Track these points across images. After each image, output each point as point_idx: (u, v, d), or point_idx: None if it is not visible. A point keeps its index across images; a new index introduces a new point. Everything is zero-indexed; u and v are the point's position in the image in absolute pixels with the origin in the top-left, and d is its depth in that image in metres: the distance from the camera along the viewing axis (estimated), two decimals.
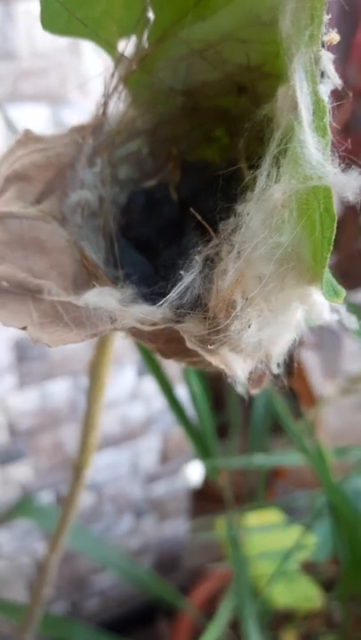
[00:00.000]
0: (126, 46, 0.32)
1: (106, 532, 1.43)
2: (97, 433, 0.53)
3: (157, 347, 0.29)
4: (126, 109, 0.33)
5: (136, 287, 0.31)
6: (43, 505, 1.14)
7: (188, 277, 0.27)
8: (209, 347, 0.28)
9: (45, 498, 1.27)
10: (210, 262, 0.28)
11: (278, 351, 0.29)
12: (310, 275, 0.26)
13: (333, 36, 0.23)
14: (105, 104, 0.32)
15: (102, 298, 0.28)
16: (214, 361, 0.28)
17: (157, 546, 1.54)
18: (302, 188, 0.23)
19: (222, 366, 0.28)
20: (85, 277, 0.30)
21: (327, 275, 0.25)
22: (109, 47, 0.32)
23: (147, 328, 0.27)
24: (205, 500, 1.42)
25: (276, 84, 0.33)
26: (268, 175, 0.25)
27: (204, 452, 0.97)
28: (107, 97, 0.32)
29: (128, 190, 0.35)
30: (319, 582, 1.11)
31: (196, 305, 0.28)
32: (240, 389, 0.29)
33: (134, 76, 0.32)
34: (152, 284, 0.33)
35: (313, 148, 0.22)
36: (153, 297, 0.31)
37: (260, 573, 1.03)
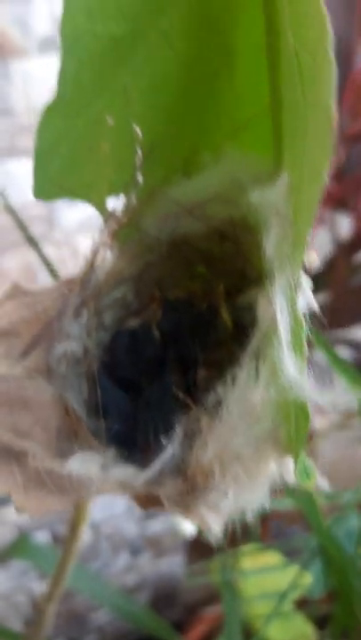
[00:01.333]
0: (116, 204, 0.33)
1: (103, 570, 1.43)
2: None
3: (136, 500, 0.31)
4: (114, 261, 0.34)
5: (117, 441, 0.32)
6: (39, 545, 1.15)
7: (170, 450, 0.29)
8: (186, 506, 0.29)
9: (41, 537, 1.28)
10: (190, 433, 0.29)
11: (253, 507, 0.30)
12: (287, 451, 0.28)
13: (313, 258, 0.25)
14: (93, 259, 0.33)
15: (84, 465, 0.29)
16: (192, 519, 0.29)
17: (154, 582, 1.54)
18: (279, 398, 0.25)
19: (199, 523, 0.29)
20: (68, 430, 0.32)
21: (301, 458, 0.27)
22: (99, 206, 0.34)
23: (128, 493, 0.29)
24: (201, 543, 1.42)
25: (257, 235, 0.35)
26: (247, 375, 0.26)
27: None
28: (95, 252, 0.33)
29: (112, 330, 0.36)
30: (313, 618, 1.12)
31: (176, 469, 0.30)
32: (213, 539, 0.31)
33: (122, 231, 0.34)
34: (133, 426, 0.35)
35: (290, 366, 0.24)
36: (134, 451, 0.32)
37: (257, 613, 1.04)
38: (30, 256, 0.94)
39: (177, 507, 0.29)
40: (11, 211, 0.64)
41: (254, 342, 0.27)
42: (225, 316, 0.35)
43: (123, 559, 1.45)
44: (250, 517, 0.31)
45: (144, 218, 0.34)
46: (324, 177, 0.23)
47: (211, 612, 1.32)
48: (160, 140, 0.33)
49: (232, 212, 0.34)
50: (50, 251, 1.18)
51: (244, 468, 0.28)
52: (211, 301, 0.36)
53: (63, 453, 0.31)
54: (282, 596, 0.92)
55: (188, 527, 1.20)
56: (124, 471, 0.30)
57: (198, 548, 1.45)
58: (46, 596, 0.66)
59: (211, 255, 0.37)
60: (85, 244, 1.23)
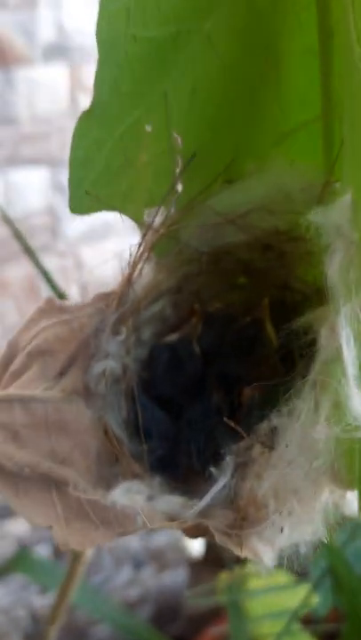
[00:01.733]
0: (154, 216, 0.32)
1: (105, 584, 1.41)
2: None
3: (186, 533, 0.29)
4: (152, 275, 0.32)
5: (160, 465, 0.30)
6: (39, 559, 1.12)
7: (221, 482, 0.27)
8: (238, 539, 0.27)
9: (42, 551, 1.26)
10: (242, 462, 0.28)
11: (306, 539, 0.29)
12: (345, 484, 0.26)
13: None
14: (131, 273, 0.31)
15: (129, 496, 0.27)
16: (243, 553, 0.27)
17: (157, 596, 1.52)
18: (345, 436, 0.23)
19: (252, 557, 0.28)
20: (109, 454, 0.30)
21: None
22: (136, 217, 0.32)
23: (177, 527, 0.27)
24: (205, 557, 1.40)
25: (304, 246, 0.33)
26: (307, 408, 0.24)
27: None
28: (133, 266, 0.31)
29: (150, 344, 0.34)
30: (319, 636, 1.10)
31: (226, 501, 0.28)
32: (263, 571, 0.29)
33: (161, 243, 0.32)
34: (174, 448, 0.33)
35: (357, 402, 0.22)
36: (176, 474, 0.30)
37: (263, 632, 1.02)
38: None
39: (228, 539, 0.27)
40: (9, 222, 0.62)
41: (315, 372, 0.25)
42: (270, 330, 0.33)
43: (125, 573, 1.44)
44: (303, 551, 0.30)
45: (183, 229, 0.33)
46: None
47: (215, 629, 1.30)
48: (201, 149, 0.32)
49: (277, 223, 0.32)
50: (53, 261, 1.16)
51: (300, 501, 0.26)
52: (253, 315, 0.35)
53: (104, 480, 0.29)
54: (291, 615, 0.90)
55: (191, 542, 1.18)
56: (172, 502, 0.28)
57: (202, 563, 1.44)
58: (50, 617, 0.64)
59: (252, 265, 0.35)
60: (89, 254, 1.22)
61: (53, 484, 0.28)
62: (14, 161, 1.02)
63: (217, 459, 0.29)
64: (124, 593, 1.46)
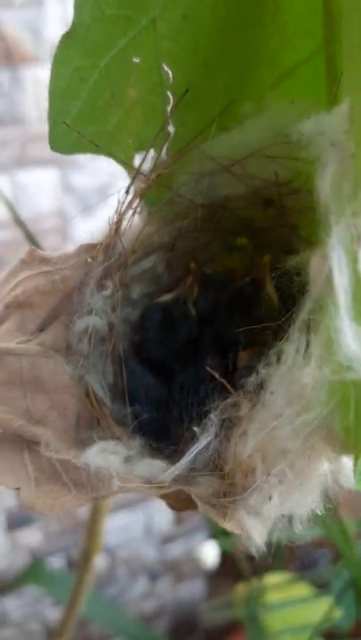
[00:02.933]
0: (143, 160, 0.29)
1: (120, 596, 1.38)
2: (105, 517, 0.50)
3: (168, 502, 0.26)
4: (142, 227, 0.29)
5: (146, 431, 0.28)
6: (53, 571, 1.10)
7: (204, 440, 0.24)
8: (223, 510, 0.24)
9: (56, 563, 1.23)
10: (228, 421, 0.25)
11: (301, 513, 0.25)
12: (342, 447, 0.23)
13: None
14: (118, 222, 0.29)
15: (105, 457, 0.24)
16: (229, 526, 0.24)
17: (173, 608, 1.49)
18: (336, 378, 0.20)
19: (238, 531, 0.24)
20: (89, 417, 0.27)
21: None
22: (124, 162, 0.29)
23: (155, 492, 0.24)
24: (223, 573, 1.37)
25: (306, 199, 0.30)
26: (296, 350, 0.21)
27: (222, 529, 0.93)
28: (120, 214, 0.29)
29: (141, 306, 0.32)
30: None
31: (211, 466, 0.25)
32: (254, 550, 0.26)
33: (151, 191, 0.29)
34: (166, 414, 0.30)
35: (350, 337, 0.19)
36: (165, 441, 0.28)
37: None
38: None
39: (212, 510, 0.24)
40: (20, 224, 0.60)
41: (304, 310, 0.22)
42: (270, 290, 0.30)
43: (141, 585, 1.41)
44: (297, 527, 0.26)
45: (176, 176, 0.30)
46: None
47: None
48: (194, 86, 0.29)
49: (278, 170, 0.29)
50: None
51: (291, 464, 0.23)
52: (253, 276, 0.32)
53: (82, 445, 0.26)
54: (313, 629, 0.86)
55: (209, 552, 1.14)
56: (152, 465, 0.25)
57: (219, 574, 1.40)
58: (59, 629, 0.62)
59: (253, 225, 0.33)
60: None
61: (26, 445, 0.25)
62: (22, 162, 1.01)
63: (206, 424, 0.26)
64: (140, 605, 1.43)
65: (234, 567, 1.00)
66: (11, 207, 0.62)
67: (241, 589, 1.03)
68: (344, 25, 0.24)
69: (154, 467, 0.25)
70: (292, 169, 0.29)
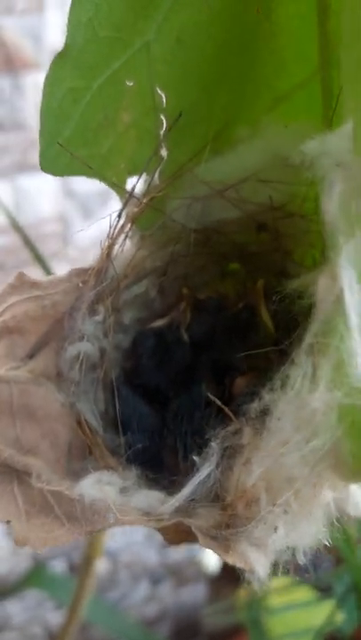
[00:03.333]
0: (136, 184, 0.29)
1: (122, 601, 1.38)
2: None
3: (165, 535, 0.25)
4: (134, 250, 0.29)
5: (141, 461, 0.27)
6: (55, 575, 1.09)
7: (205, 470, 0.24)
8: (225, 543, 0.24)
9: (58, 567, 1.23)
10: (229, 450, 0.24)
11: (306, 544, 0.25)
12: (350, 475, 0.22)
13: None
14: (110, 246, 0.28)
15: (100, 488, 0.24)
16: (231, 559, 0.24)
17: (176, 612, 1.48)
18: (348, 401, 0.19)
19: (240, 564, 0.24)
20: (81, 446, 0.27)
21: None
22: (117, 185, 0.29)
23: (154, 524, 0.24)
24: (224, 577, 1.37)
25: (301, 224, 0.30)
26: (303, 374, 0.21)
27: None
28: (112, 239, 0.28)
29: (133, 331, 0.31)
30: None
31: (212, 496, 0.25)
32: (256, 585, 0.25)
33: (144, 215, 0.29)
34: (159, 443, 0.30)
35: None
36: (159, 471, 0.27)
37: None
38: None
39: (213, 542, 0.24)
40: (19, 229, 0.60)
41: (311, 333, 0.21)
42: (265, 316, 0.30)
43: (143, 589, 1.40)
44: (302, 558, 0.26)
45: (168, 200, 0.30)
46: None
47: None
48: (188, 110, 0.29)
49: (272, 195, 0.29)
50: (64, 268, 1.14)
51: (297, 495, 0.23)
52: (247, 301, 0.31)
53: (75, 475, 0.26)
54: (316, 633, 0.86)
55: (208, 556, 1.14)
56: (150, 497, 0.25)
57: (221, 577, 1.40)
58: (61, 633, 0.62)
59: (246, 249, 0.32)
60: None
61: (15, 476, 0.25)
62: (23, 167, 1.00)
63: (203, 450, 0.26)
64: (142, 609, 1.43)
65: (235, 571, 1.00)
66: (8, 213, 0.62)
67: (243, 593, 1.03)
68: (342, 47, 0.24)
69: (151, 498, 0.25)
70: (287, 192, 0.29)
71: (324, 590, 1.09)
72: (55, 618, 1.27)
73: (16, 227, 0.60)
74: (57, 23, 0.96)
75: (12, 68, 0.95)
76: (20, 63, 0.96)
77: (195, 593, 1.48)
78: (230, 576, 1.19)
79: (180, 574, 1.44)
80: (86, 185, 1.05)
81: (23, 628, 1.25)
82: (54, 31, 0.96)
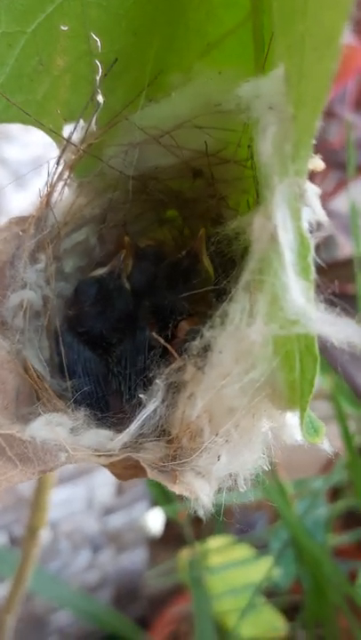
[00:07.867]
0: (73, 131, 0.29)
1: (63, 569, 1.39)
2: (50, 491, 0.51)
3: (114, 471, 0.26)
4: (73, 198, 0.29)
5: (87, 403, 0.28)
6: None
7: (151, 406, 0.24)
8: (172, 474, 0.25)
9: None
10: (174, 386, 0.25)
11: (247, 471, 0.26)
12: (286, 404, 0.23)
13: (318, 163, 0.20)
14: (49, 194, 0.28)
15: (51, 429, 0.24)
16: (178, 489, 0.25)
17: (116, 578, 1.50)
18: (283, 333, 0.20)
19: (186, 493, 0.25)
20: (29, 392, 0.27)
21: (307, 412, 0.23)
22: (54, 132, 0.29)
23: (103, 461, 0.24)
24: (165, 541, 1.38)
25: (236, 170, 0.30)
26: (242, 310, 0.21)
27: (164, 498, 0.94)
28: (51, 186, 0.28)
29: (75, 280, 0.31)
30: (281, 609, 1.09)
31: (158, 431, 0.25)
32: (201, 512, 0.26)
33: (82, 162, 0.29)
34: (105, 387, 0.30)
35: (296, 292, 0.19)
36: (107, 413, 0.28)
37: (227, 609, 1.01)
38: None
39: (161, 475, 0.25)
40: None
41: (248, 271, 0.22)
42: (206, 263, 0.31)
43: (83, 557, 1.41)
44: (241, 485, 0.27)
45: (106, 147, 0.30)
46: (336, 49, 0.19)
47: (177, 608, 1.28)
48: (123, 55, 0.29)
49: (207, 140, 0.30)
50: None
51: (237, 423, 0.24)
52: (189, 249, 0.32)
53: (23, 420, 0.26)
54: (254, 589, 0.89)
55: (150, 521, 1.16)
56: (99, 435, 0.25)
57: (162, 541, 1.42)
58: (6, 606, 0.62)
59: (182, 196, 0.33)
60: None
61: None
62: None
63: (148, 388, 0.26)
64: (83, 577, 1.44)
65: (176, 534, 1.01)
66: None
67: (184, 555, 1.05)
68: None
69: (101, 436, 0.25)
70: (222, 139, 0.30)
71: (262, 547, 1.13)
72: None
73: None
74: None
75: None
76: None
77: (135, 558, 1.50)
78: (171, 539, 1.22)
79: (121, 541, 1.46)
80: (18, 152, 1.03)
81: None
82: None
